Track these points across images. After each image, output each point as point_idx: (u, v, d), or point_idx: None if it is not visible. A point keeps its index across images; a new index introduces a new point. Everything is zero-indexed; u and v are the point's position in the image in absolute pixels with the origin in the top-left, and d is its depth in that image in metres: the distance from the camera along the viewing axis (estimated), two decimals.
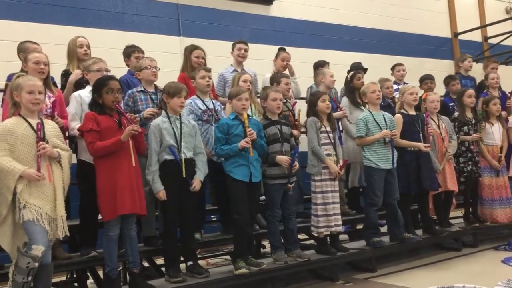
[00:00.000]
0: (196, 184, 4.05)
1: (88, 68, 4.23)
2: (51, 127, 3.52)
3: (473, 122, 5.86)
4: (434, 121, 5.53)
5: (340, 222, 4.75)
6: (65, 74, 4.69)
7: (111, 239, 3.76)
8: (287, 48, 6.11)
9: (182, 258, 4.19)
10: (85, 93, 4.14)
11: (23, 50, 4.36)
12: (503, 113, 6.47)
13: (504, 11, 11.38)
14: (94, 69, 4.19)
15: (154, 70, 4.48)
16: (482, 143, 5.91)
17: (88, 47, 4.83)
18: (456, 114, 5.92)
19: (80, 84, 4.45)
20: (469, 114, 5.89)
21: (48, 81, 4.07)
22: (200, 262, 4.55)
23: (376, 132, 4.95)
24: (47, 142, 3.37)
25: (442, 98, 6.50)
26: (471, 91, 5.93)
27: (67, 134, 4.26)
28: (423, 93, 5.94)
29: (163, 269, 4.45)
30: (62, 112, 4.16)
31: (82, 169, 4.09)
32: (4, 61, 5.37)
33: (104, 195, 3.72)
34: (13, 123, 3.34)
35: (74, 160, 4.02)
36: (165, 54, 6.06)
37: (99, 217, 3.99)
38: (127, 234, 3.84)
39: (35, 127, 3.35)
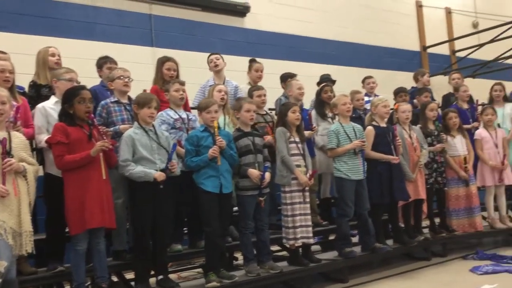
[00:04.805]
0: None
1: (58, 76, 4.12)
2: (18, 140, 3.44)
3: (436, 133, 5.96)
4: (406, 131, 5.62)
5: (310, 234, 4.72)
6: (34, 85, 4.56)
7: (79, 253, 3.69)
8: (260, 60, 6.12)
9: (152, 272, 4.13)
10: (49, 105, 4.04)
11: None
12: (475, 124, 6.63)
13: (471, 25, 11.67)
14: (65, 78, 4.10)
15: (126, 80, 4.41)
16: (446, 154, 6.02)
17: (60, 57, 4.75)
18: (418, 126, 5.99)
19: (46, 96, 4.36)
20: (431, 126, 5.99)
21: (13, 89, 3.97)
22: (172, 275, 4.49)
23: (347, 144, 5.01)
24: (13, 156, 3.30)
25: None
26: (433, 105, 6.10)
27: (33, 146, 4.17)
28: (395, 104, 6.04)
29: (132, 283, 4.37)
30: (27, 121, 4.04)
31: (49, 182, 3.99)
32: None
33: (72, 208, 3.64)
34: None
35: (41, 173, 3.93)
36: (137, 64, 5.98)
37: (66, 230, 3.89)
38: (95, 248, 3.76)
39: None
